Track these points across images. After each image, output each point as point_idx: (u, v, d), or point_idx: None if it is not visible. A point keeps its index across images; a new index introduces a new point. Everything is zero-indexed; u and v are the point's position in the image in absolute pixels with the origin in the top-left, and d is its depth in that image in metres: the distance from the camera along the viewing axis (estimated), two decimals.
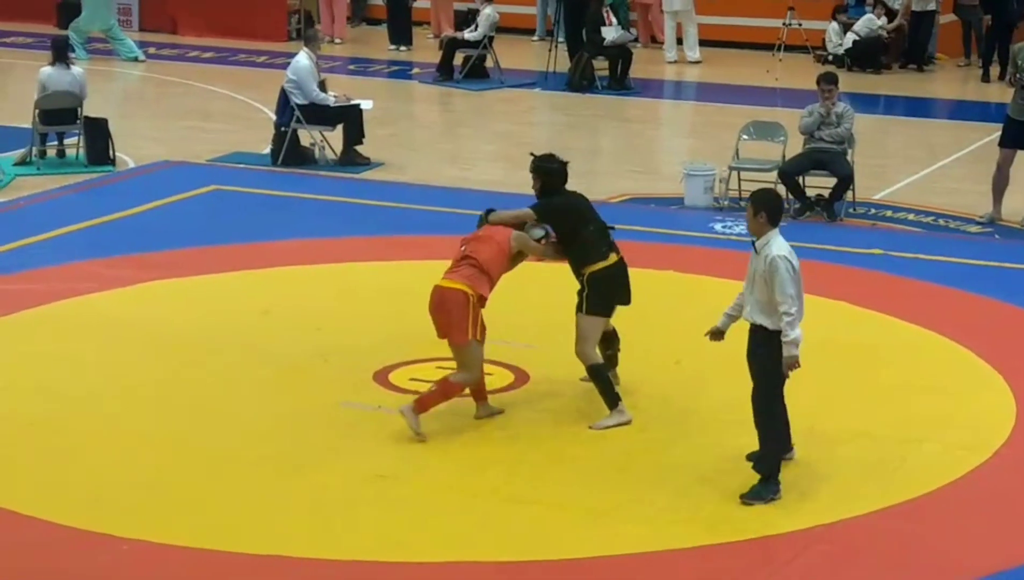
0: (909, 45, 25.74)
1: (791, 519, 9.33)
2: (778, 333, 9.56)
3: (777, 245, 9.64)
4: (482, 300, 10.53)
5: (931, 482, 9.88)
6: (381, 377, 11.41)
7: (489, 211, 11.08)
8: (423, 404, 10.43)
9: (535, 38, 27.90)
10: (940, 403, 11.24)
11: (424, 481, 9.83)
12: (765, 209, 9.69)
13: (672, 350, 12.14)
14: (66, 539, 9.04)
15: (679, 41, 26.15)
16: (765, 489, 9.52)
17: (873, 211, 16.81)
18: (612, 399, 10.68)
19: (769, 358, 9.58)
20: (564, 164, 11.17)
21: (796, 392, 11.36)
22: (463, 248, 10.77)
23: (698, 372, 11.75)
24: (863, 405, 11.19)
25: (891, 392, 11.45)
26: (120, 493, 9.60)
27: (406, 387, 11.25)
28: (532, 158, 11.23)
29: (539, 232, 10.90)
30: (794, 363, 9.63)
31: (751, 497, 9.48)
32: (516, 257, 10.87)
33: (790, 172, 16.32)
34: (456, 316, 10.41)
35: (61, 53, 18.24)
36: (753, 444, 10.43)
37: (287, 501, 9.52)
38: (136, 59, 25.28)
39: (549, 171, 11.15)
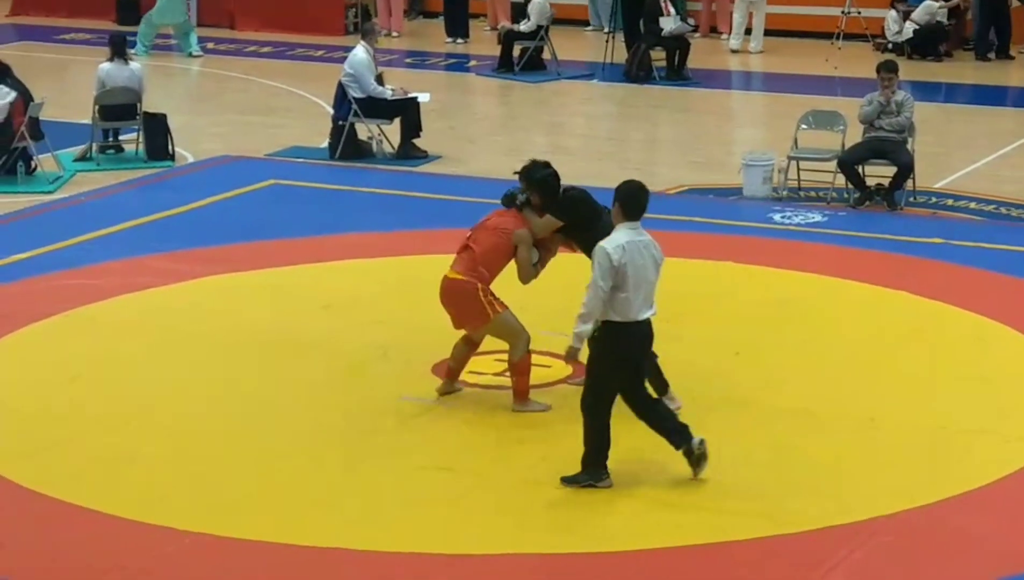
0: (979, 33, 25.48)
1: (851, 511, 9.28)
2: (612, 325, 9.42)
3: (614, 236, 9.52)
4: (487, 284, 10.53)
5: (992, 473, 9.82)
6: (440, 370, 11.42)
7: (510, 195, 10.91)
8: (520, 395, 10.65)
9: (588, 28, 27.85)
10: (1001, 393, 11.16)
11: (484, 473, 9.84)
12: (619, 200, 9.60)
13: (731, 341, 12.10)
14: (130, 532, 9.11)
15: (747, 31, 26.02)
16: (581, 476, 9.55)
17: (934, 200, 16.70)
18: None
19: (596, 353, 9.50)
20: (551, 166, 10.93)
21: (857, 382, 11.34)
22: (468, 235, 10.75)
23: (757, 363, 11.71)
24: (924, 395, 11.13)
25: (952, 382, 11.38)
26: (182, 487, 9.66)
27: (464, 380, 11.25)
28: (520, 174, 10.89)
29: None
30: (573, 354, 9.56)
31: (568, 481, 9.55)
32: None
33: (850, 161, 16.23)
34: (465, 306, 10.49)
35: (119, 49, 18.36)
36: (815, 435, 10.41)
37: (347, 495, 9.55)
38: (191, 55, 25.40)
39: (545, 179, 10.87)
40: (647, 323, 9.55)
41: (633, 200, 9.58)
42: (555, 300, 11.21)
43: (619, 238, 9.49)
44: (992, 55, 25.35)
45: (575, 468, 9.68)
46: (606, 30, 26.26)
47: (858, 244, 14.80)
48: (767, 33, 26.15)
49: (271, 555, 8.84)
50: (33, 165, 17.16)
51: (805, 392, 11.18)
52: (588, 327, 9.43)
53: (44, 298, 13.05)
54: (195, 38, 25.65)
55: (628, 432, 10.17)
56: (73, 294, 13.15)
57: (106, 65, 18.25)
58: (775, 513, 9.29)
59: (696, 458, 9.60)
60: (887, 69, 16.30)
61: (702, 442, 9.60)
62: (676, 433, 9.65)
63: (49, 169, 17.23)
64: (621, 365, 9.55)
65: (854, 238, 14.96)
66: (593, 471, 9.56)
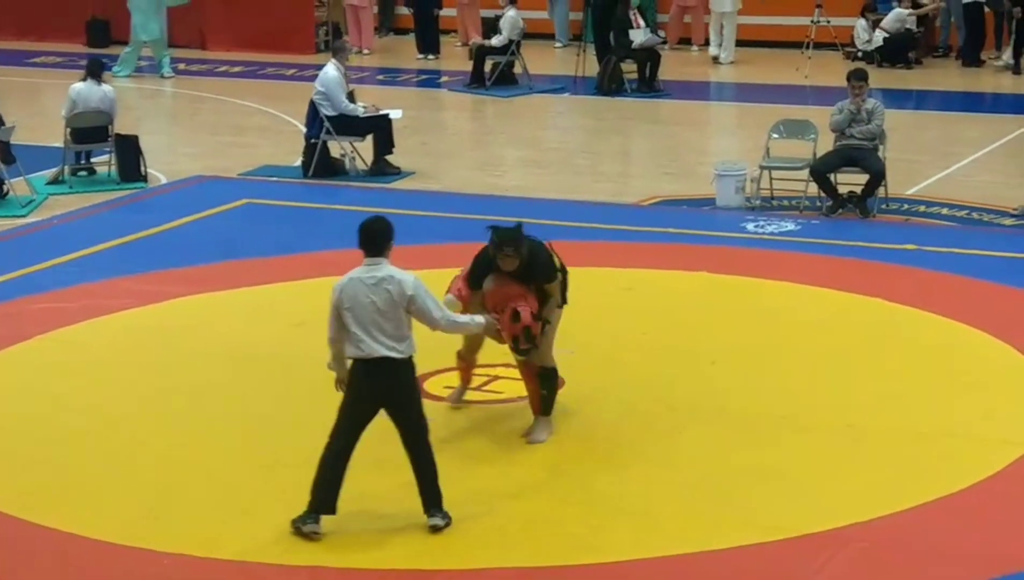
0: (966, 40, 25.57)
1: (830, 518, 9.29)
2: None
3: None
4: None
5: (971, 477, 9.84)
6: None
7: (499, 241, 10.35)
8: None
9: (557, 44, 27.91)
10: (978, 398, 11.19)
11: (466, 486, 9.82)
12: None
13: (707, 351, 12.12)
14: (108, 555, 9.08)
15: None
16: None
17: (906, 207, 16.76)
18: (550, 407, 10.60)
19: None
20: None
21: (833, 389, 11.37)
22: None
23: (734, 371, 11.73)
24: (901, 401, 11.15)
25: (929, 388, 11.41)
26: (160, 507, 9.63)
27: (442, 395, 11.25)
28: (498, 244, 10.35)
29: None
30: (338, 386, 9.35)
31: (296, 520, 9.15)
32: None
33: (822, 170, 16.28)
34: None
35: (95, 71, 18.30)
36: (792, 443, 10.43)
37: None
38: (163, 75, 25.39)
39: (519, 239, 10.31)
40: (367, 362, 9.04)
41: (360, 235, 9.27)
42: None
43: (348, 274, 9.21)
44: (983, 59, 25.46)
45: (562, 478, 9.70)
46: (560, 44, 26.44)
47: (831, 252, 14.84)
48: (738, 44, 26.25)
49: (252, 575, 8.81)
50: (5, 189, 17.12)
51: (781, 400, 11.20)
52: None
53: (18, 322, 13.01)
54: (168, 59, 25.62)
55: (608, 448, 10.20)
56: (47, 317, 13.11)
57: (79, 85, 18.22)
58: (753, 521, 9.30)
59: (305, 533, 9.12)
60: (857, 77, 16.36)
61: (311, 530, 9.12)
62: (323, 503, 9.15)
63: (21, 193, 17.19)
64: (351, 402, 9.19)
65: (827, 246, 15.00)
66: (309, 512, 9.13)
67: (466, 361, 11.04)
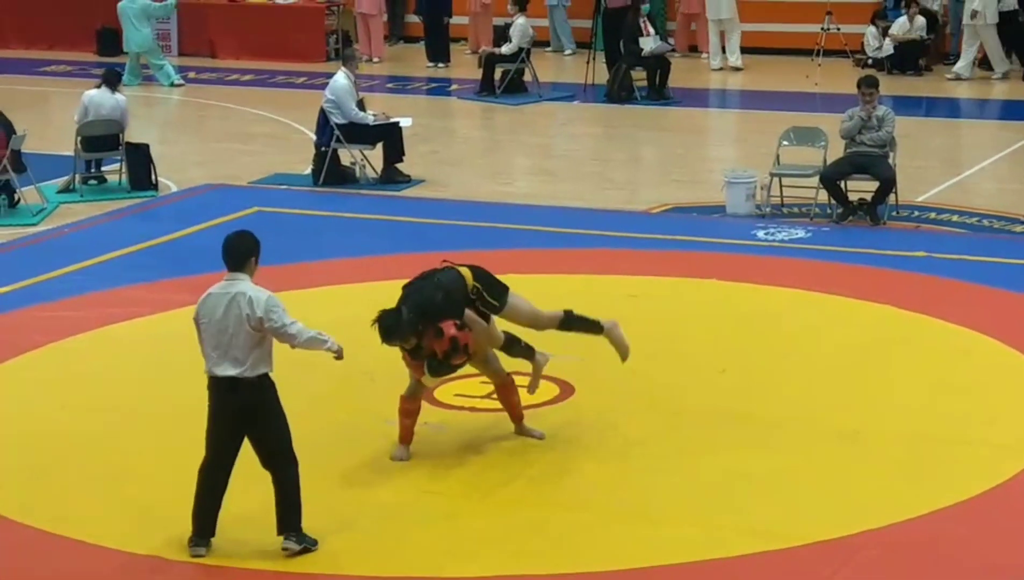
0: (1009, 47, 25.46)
1: (840, 526, 9.29)
2: None
3: None
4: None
5: (979, 484, 9.83)
6: (427, 394, 11.41)
7: (384, 339, 10.20)
8: (515, 416, 10.62)
9: (567, 52, 27.91)
10: (988, 404, 11.18)
11: (471, 495, 9.84)
12: None
13: (717, 359, 12.12)
14: (118, 563, 9.09)
15: (723, 49, 26.13)
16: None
17: (916, 213, 16.74)
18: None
19: None
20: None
21: (843, 396, 11.36)
22: None
23: (743, 379, 11.73)
24: (910, 408, 11.15)
25: (938, 395, 11.40)
26: (171, 514, 9.64)
27: (451, 403, 11.26)
28: (385, 341, 10.20)
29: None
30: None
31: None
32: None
33: (832, 177, 16.27)
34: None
35: (111, 81, 18.34)
36: (801, 450, 10.43)
37: (335, 519, 9.52)
38: (172, 84, 25.41)
39: (398, 329, 10.18)
40: (216, 382, 8.94)
41: (222, 249, 9.18)
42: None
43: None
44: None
45: (568, 485, 9.70)
46: (567, 52, 26.47)
47: (842, 259, 14.83)
48: (748, 51, 26.25)
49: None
50: (16, 198, 17.16)
51: (791, 407, 11.19)
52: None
53: (29, 330, 13.04)
54: (170, 68, 25.61)
55: (613, 455, 10.20)
56: (58, 325, 13.14)
57: (92, 92, 18.27)
58: (762, 529, 9.29)
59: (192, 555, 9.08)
60: (868, 84, 16.36)
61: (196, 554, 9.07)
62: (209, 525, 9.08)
63: (32, 201, 17.23)
64: (210, 422, 9.08)
65: (838, 253, 14.99)
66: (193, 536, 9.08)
67: (409, 406, 10.49)
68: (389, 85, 25.53)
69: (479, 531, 9.39)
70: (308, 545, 9.07)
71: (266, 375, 8.97)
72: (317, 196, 17.79)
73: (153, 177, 18.11)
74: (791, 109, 21.90)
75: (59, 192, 17.94)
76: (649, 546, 9.14)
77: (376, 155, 18.55)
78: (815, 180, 16.47)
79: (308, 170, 18.57)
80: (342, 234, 16.05)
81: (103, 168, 18.51)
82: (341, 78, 18.33)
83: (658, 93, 23.44)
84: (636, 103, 23.21)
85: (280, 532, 9.06)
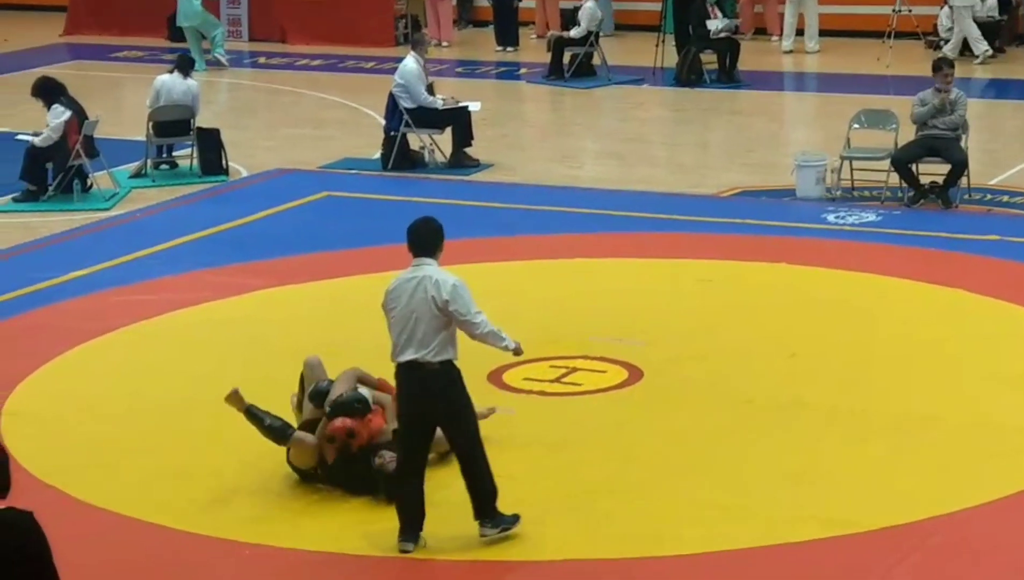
0: None
1: (908, 512, 9.24)
2: None
3: None
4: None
5: None
6: (495, 377, 11.44)
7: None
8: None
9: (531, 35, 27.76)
10: None
11: (542, 480, 9.85)
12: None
13: (787, 343, 12.07)
14: (190, 544, 9.18)
15: (799, 32, 25.94)
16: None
17: (988, 197, 16.61)
18: None
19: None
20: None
21: (913, 382, 11.29)
22: None
23: (813, 364, 11.68)
24: (982, 393, 11.06)
25: (1011, 380, 11.30)
26: (241, 499, 9.72)
27: (520, 387, 11.28)
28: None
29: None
30: None
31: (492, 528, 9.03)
32: None
33: (904, 160, 16.16)
34: None
35: (184, 66, 18.46)
36: (871, 436, 10.38)
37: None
38: (215, 58, 25.50)
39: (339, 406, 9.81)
40: (402, 367, 8.88)
41: (407, 235, 9.13)
42: (601, 305, 11.22)
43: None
44: None
45: (632, 472, 9.70)
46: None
47: (913, 243, 14.74)
48: (819, 33, 26.05)
49: (329, 564, 8.87)
50: (89, 183, 17.30)
51: (861, 392, 11.14)
52: None
53: (102, 314, 13.15)
54: (220, 39, 25.68)
55: (686, 441, 10.17)
56: (130, 310, 13.25)
57: (164, 77, 18.40)
58: (831, 515, 9.25)
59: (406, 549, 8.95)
60: (949, 65, 16.24)
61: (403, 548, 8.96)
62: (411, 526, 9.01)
63: (105, 186, 17.37)
64: (400, 409, 9.06)
65: (909, 237, 14.90)
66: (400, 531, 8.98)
67: None
68: (458, 69, 25.54)
69: (549, 517, 9.39)
70: (507, 526, 9.02)
71: (450, 361, 8.86)
72: (386, 181, 17.84)
73: (224, 162, 18.21)
74: (862, 92, 21.76)
75: (131, 177, 18.07)
76: (716, 532, 9.12)
77: (445, 139, 18.57)
78: (886, 163, 16.37)
79: (377, 155, 18.63)
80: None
81: (174, 153, 18.63)
82: (410, 62, 18.36)
83: (728, 76, 23.35)
84: (705, 86, 23.12)
85: (476, 518, 9.02)
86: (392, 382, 9.27)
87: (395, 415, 9.59)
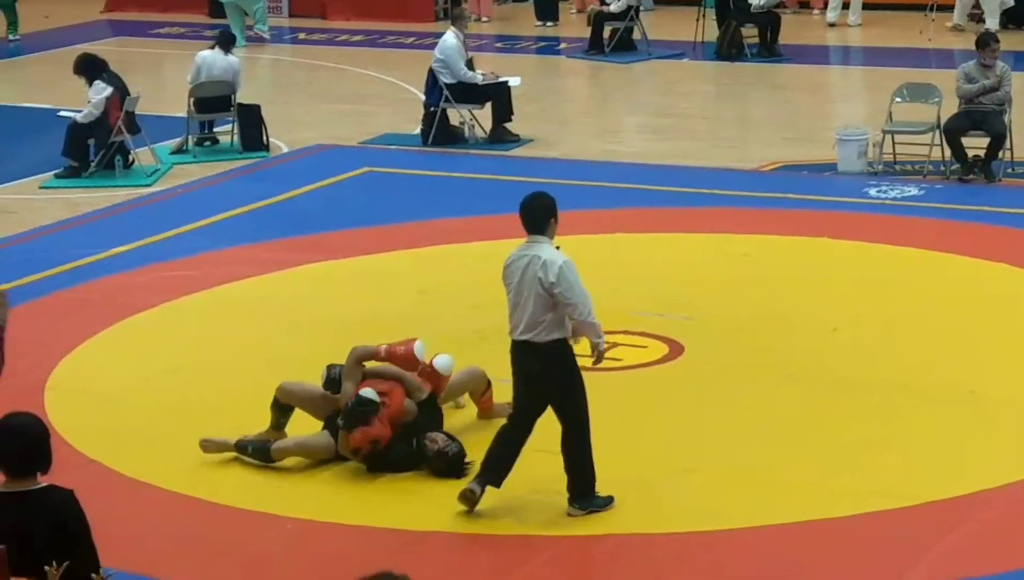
0: None
1: (956, 484, 9.21)
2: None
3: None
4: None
5: None
6: None
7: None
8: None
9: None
10: None
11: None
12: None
13: (829, 317, 12.03)
14: (234, 519, 9.22)
15: (844, 5, 25.78)
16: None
17: None
18: None
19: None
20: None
21: (957, 356, 11.24)
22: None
23: (855, 338, 11.64)
24: None
25: None
26: (282, 475, 9.76)
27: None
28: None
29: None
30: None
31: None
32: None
33: (954, 130, 15.97)
34: None
35: (225, 42, 18.48)
36: (917, 410, 10.35)
37: (447, 479, 9.59)
38: (257, 33, 25.52)
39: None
40: (514, 345, 8.96)
41: (520, 212, 9.14)
42: (641, 280, 11.21)
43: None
44: None
45: (679, 445, 9.71)
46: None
47: (955, 217, 14.66)
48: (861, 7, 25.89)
49: (371, 538, 8.91)
50: (131, 159, 17.35)
51: (904, 367, 11.10)
52: None
53: (144, 290, 13.21)
54: (261, 14, 25.70)
55: (730, 417, 10.16)
56: (172, 285, 13.29)
57: (205, 53, 18.42)
58: (876, 488, 9.24)
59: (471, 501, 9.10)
60: (995, 40, 16.11)
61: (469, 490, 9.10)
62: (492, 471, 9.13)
63: (146, 162, 17.42)
64: (514, 382, 9.13)
65: (951, 211, 14.82)
66: (476, 477, 9.17)
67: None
68: (498, 44, 25.50)
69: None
70: (595, 508, 9.05)
71: (560, 340, 8.87)
72: (426, 156, 17.84)
73: (265, 138, 18.24)
74: (904, 65, 21.62)
75: (172, 153, 18.13)
76: (762, 506, 9.11)
77: (485, 115, 18.56)
78: (928, 137, 16.27)
79: (417, 130, 18.62)
80: (451, 194, 16.08)
81: (215, 129, 18.67)
82: (450, 38, 18.34)
83: (768, 50, 23.23)
84: (746, 60, 23.01)
85: (569, 498, 9.06)
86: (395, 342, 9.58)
87: (418, 384, 9.82)
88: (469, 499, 9.02)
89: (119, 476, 9.75)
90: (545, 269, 8.78)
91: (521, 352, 8.91)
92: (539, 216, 9.05)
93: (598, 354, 9.07)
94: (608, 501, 9.09)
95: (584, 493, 9.04)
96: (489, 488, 9.10)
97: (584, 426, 8.99)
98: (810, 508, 9.05)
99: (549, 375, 8.90)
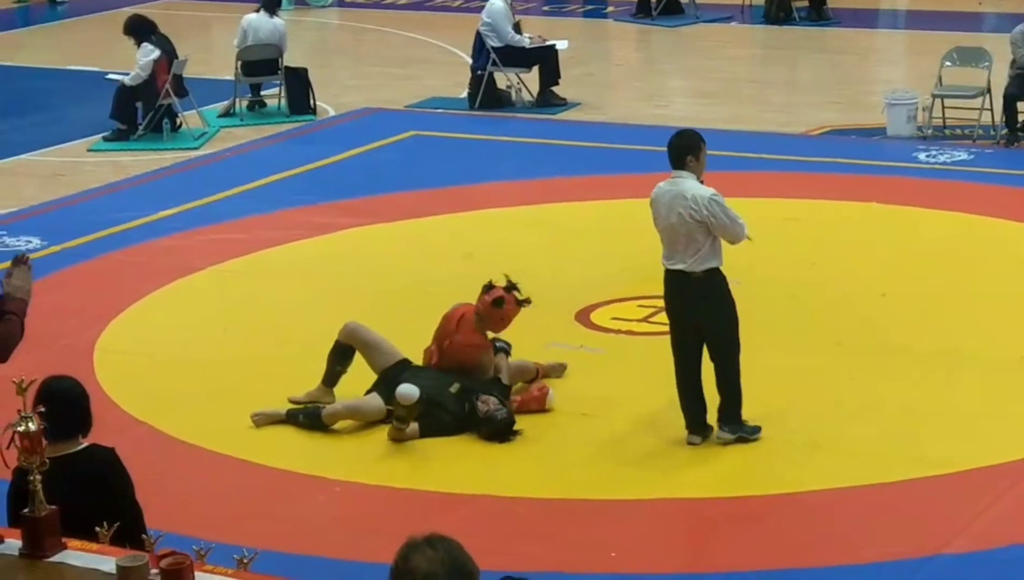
0: None
1: (1004, 451, 9.17)
2: None
3: None
4: None
5: None
6: (583, 317, 11.44)
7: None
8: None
9: None
10: None
11: (628, 419, 9.84)
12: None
13: (877, 283, 11.97)
14: (281, 481, 9.26)
15: None
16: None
17: None
18: None
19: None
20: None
21: (1005, 322, 11.17)
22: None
23: (903, 304, 11.58)
24: None
25: None
26: (330, 436, 9.78)
27: (608, 326, 11.27)
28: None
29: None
30: None
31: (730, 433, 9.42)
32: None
33: (1015, 96, 15.78)
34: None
35: (269, 3, 18.49)
36: (965, 376, 10.30)
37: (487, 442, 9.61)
38: (324, 5, 25.54)
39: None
40: (667, 274, 9.36)
41: (667, 149, 9.51)
42: None
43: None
44: None
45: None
46: None
47: (1005, 182, 14.56)
48: None
49: (416, 500, 8.93)
50: (178, 122, 17.39)
51: (953, 333, 11.04)
52: None
53: (192, 252, 13.25)
54: None
55: (779, 382, 10.14)
56: (220, 248, 13.33)
57: (251, 16, 18.41)
58: (927, 455, 9.20)
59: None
60: None
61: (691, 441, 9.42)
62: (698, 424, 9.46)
63: (194, 126, 17.46)
64: (667, 313, 9.54)
65: (1001, 176, 14.72)
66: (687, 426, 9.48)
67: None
68: (545, 8, 25.41)
69: (635, 455, 9.39)
70: (744, 435, 9.34)
71: (715, 269, 9.25)
72: (473, 120, 17.81)
73: (312, 101, 18.25)
74: (954, 29, 21.44)
75: (220, 116, 18.16)
76: (807, 472, 9.10)
77: (532, 78, 18.51)
78: (978, 101, 16.15)
79: (464, 94, 18.59)
80: (498, 157, 16.06)
81: (262, 93, 18.69)
82: (498, 1, 18.28)
83: (817, 13, 23.08)
84: (795, 24, 22.89)
85: (719, 422, 9.38)
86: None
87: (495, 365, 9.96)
88: (695, 445, 9.34)
89: (167, 438, 9.80)
90: (696, 203, 9.20)
91: (676, 281, 9.30)
92: (682, 153, 9.46)
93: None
94: (755, 430, 9.40)
95: (734, 419, 9.36)
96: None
97: (736, 354, 9.37)
98: (858, 474, 9.01)
99: (703, 301, 9.26)
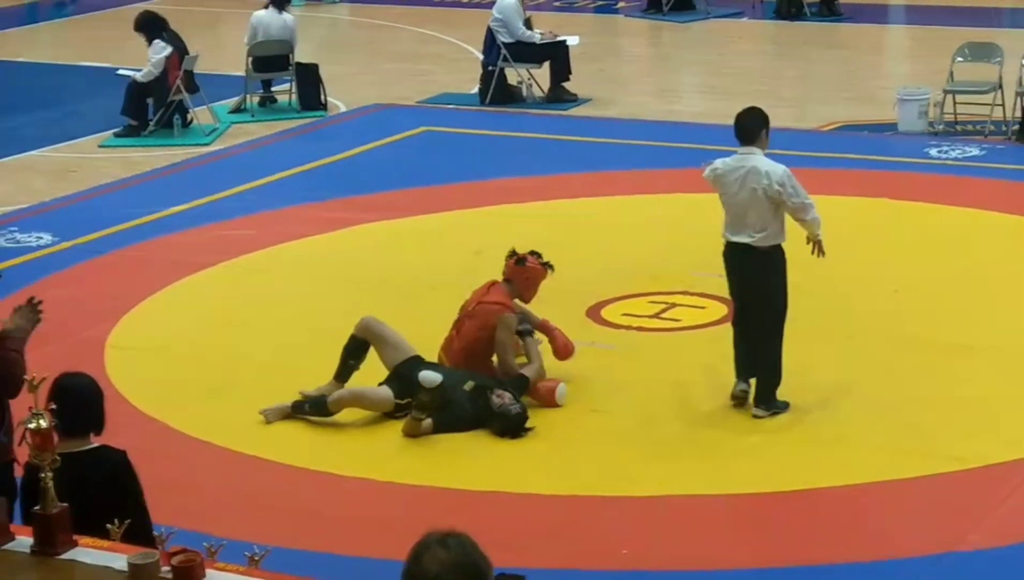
0: None
1: (1018, 447, 9.13)
2: None
3: None
4: None
5: None
6: (594, 313, 11.42)
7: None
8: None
9: None
10: None
11: (639, 414, 9.83)
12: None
13: (889, 278, 11.95)
14: (295, 478, 9.25)
15: None
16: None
17: None
18: None
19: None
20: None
21: (1017, 317, 11.15)
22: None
23: (916, 299, 11.56)
24: None
25: None
26: (343, 433, 9.78)
27: (619, 322, 11.25)
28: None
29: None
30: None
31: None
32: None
33: None
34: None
35: (279, 0, 18.46)
36: (977, 372, 10.28)
37: (496, 439, 9.60)
38: (334, 1, 25.53)
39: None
40: (730, 246, 9.57)
41: (734, 126, 9.73)
42: (701, 240, 11.12)
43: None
44: None
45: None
46: None
47: (1017, 177, 14.52)
48: None
49: (429, 498, 8.91)
50: (189, 118, 17.40)
51: (965, 328, 11.01)
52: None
53: (202, 248, 13.25)
54: None
55: (791, 378, 10.13)
56: (230, 244, 13.33)
57: (260, 13, 18.41)
58: (937, 450, 9.18)
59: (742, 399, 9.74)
60: None
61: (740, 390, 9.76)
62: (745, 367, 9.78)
63: (205, 121, 17.46)
64: (728, 280, 9.80)
65: (1013, 171, 14.68)
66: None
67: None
68: (556, 3, 25.39)
69: (647, 451, 9.38)
70: (777, 409, 9.56)
71: (778, 246, 9.44)
72: (484, 115, 17.81)
73: (323, 97, 18.25)
74: (966, 24, 21.41)
75: (231, 112, 18.16)
76: (823, 467, 9.07)
77: (543, 74, 18.50)
78: (990, 97, 16.11)
79: (475, 89, 18.59)
80: (509, 153, 16.05)
81: (273, 88, 18.69)
82: None
83: (829, 8, 23.06)
84: (806, 19, 22.86)
85: (755, 400, 9.60)
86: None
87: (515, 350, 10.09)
88: (741, 398, 9.62)
89: (178, 434, 9.80)
90: (769, 178, 9.36)
91: (739, 254, 9.49)
92: (751, 128, 9.63)
93: (818, 246, 9.66)
94: (786, 406, 9.60)
95: (770, 396, 9.54)
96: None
97: (781, 331, 9.54)
98: (872, 469, 9.00)
99: (760, 275, 9.46)
